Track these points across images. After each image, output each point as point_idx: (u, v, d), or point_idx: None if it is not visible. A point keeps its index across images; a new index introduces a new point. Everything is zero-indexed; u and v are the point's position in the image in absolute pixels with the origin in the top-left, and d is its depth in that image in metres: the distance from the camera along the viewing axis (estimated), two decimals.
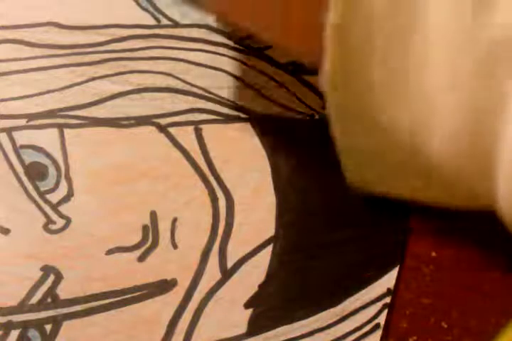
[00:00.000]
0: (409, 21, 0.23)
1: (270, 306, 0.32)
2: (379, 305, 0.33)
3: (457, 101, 0.24)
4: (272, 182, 0.34)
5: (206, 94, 0.34)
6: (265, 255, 0.33)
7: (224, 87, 0.34)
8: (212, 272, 0.32)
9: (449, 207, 0.28)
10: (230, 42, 0.34)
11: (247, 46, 0.35)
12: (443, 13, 0.23)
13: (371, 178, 0.28)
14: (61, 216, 0.32)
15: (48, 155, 0.32)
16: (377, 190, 0.28)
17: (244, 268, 0.33)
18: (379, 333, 0.33)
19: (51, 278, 0.31)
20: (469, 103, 0.23)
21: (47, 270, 0.31)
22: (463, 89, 0.23)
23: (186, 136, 0.33)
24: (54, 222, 0.31)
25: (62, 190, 0.32)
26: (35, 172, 0.32)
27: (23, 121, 0.32)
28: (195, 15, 0.34)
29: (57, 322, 0.31)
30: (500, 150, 0.23)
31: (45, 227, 0.31)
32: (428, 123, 0.25)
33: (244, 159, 0.34)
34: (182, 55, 0.34)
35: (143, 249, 0.32)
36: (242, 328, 0.32)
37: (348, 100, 0.26)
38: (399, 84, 0.24)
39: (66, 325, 0.31)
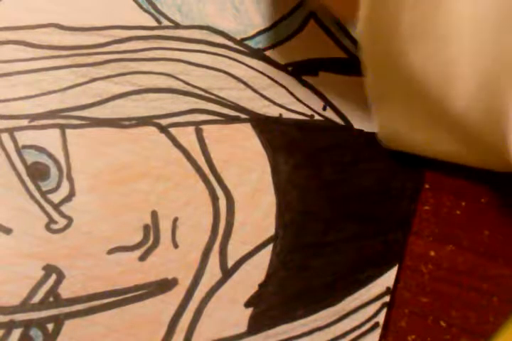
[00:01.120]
0: None
1: (270, 305, 0.32)
2: (378, 304, 0.33)
3: (480, 48, 0.24)
4: (272, 182, 0.34)
5: (207, 95, 0.34)
6: (265, 254, 0.33)
7: (224, 87, 0.34)
8: (213, 271, 0.32)
9: (466, 163, 0.28)
10: (231, 44, 0.34)
11: (247, 47, 0.35)
12: None
13: (400, 129, 0.28)
14: (63, 216, 0.32)
15: (49, 155, 0.32)
16: (405, 143, 0.29)
17: (244, 267, 0.33)
18: (378, 332, 0.33)
19: (53, 277, 0.31)
20: (491, 50, 0.24)
21: (49, 269, 0.31)
22: (485, 35, 0.24)
23: (187, 137, 0.33)
24: (56, 222, 0.32)
25: (64, 190, 0.32)
26: (37, 173, 0.32)
27: (25, 122, 0.32)
28: (195, 17, 0.34)
29: (59, 321, 0.31)
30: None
31: (47, 227, 0.31)
32: (452, 72, 0.25)
33: (244, 159, 0.34)
34: (183, 56, 0.34)
35: (144, 249, 0.32)
36: (242, 327, 0.32)
37: (381, 46, 0.26)
38: (427, 28, 0.25)
39: (68, 324, 0.31)
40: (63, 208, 0.32)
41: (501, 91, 0.24)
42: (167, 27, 0.34)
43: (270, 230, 0.33)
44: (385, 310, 0.33)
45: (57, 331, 0.30)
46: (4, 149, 0.31)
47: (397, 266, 0.34)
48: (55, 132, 0.32)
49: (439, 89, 0.25)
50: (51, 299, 0.31)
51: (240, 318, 0.32)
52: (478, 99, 0.25)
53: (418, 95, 0.26)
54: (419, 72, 0.26)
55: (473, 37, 0.24)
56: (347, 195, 0.35)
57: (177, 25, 0.34)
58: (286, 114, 0.35)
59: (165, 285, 0.32)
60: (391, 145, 0.32)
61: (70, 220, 0.32)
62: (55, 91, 0.32)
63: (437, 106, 0.26)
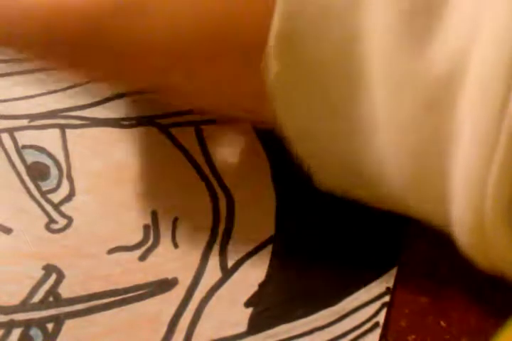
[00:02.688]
0: (350, 50, 0.23)
1: (270, 305, 0.32)
2: (378, 303, 0.33)
3: (402, 141, 0.24)
4: (272, 182, 0.34)
5: None
6: (265, 254, 0.33)
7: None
8: (213, 271, 0.32)
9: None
10: None
11: None
12: (384, 48, 0.23)
13: (332, 183, 0.28)
14: (63, 215, 0.32)
15: (49, 155, 0.32)
16: (336, 190, 0.29)
17: (244, 267, 0.33)
18: (378, 331, 0.33)
19: (53, 277, 0.31)
20: (414, 144, 0.23)
21: (49, 269, 0.31)
22: (407, 128, 0.23)
23: (187, 137, 0.34)
24: (56, 222, 0.32)
25: (64, 190, 0.32)
26: (37, 172, 0.32)
27: (25, 122, 0.32)
28: None
29: (58, 320, 0.31)
30: (451, 178, 0.23)
31: (47, 227, 0.31)
32: (380, 171, 0.25)
33: (245, 159, 0.34)
34: None
35: (144, 249, 0.32)
36: (242, 327, 0.32)
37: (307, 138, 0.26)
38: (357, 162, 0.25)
39: (68, 324, 0.31)
40: (63, 208, 0.32)
41: (435, 182, 0.24)
42: None
43: (270, 230, 0.33)
44: (385, 310, 0.33)
45: (57, 331, 0.30)
46: (4, 149, 0.32)
47: (397, 266, 0.34)
48: (55, 132, 0.32)
49: (369, 177, 0.25)
50: (51, 299, 0.31)
51: (239, 318, 0.32)
52: (411, 180, 0.25)
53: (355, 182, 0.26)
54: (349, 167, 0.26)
55: (394, 130, 0.24)
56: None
57: None
58: None
59: (165, 285, 0.32)
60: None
61: (70, 220, 0.32)
62: (55, 91, 0.32)
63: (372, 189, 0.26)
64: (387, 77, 0.23)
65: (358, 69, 0.23)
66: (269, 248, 0.33)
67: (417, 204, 0.26)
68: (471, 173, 0.22)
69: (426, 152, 0.23)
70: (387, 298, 0.33)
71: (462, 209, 0.23)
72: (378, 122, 0.24)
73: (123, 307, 0.31)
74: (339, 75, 0.23)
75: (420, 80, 0.22)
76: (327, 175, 0.27)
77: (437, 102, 0.22)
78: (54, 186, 0.32)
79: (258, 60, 0.24)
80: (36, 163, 0.32)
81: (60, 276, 0.31)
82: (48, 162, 0.32)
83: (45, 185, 0.32)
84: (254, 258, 0.33)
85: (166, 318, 0.31)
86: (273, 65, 0.24)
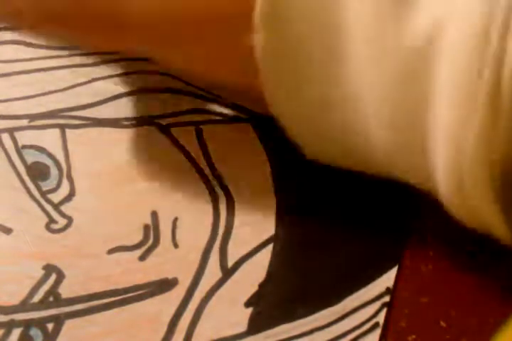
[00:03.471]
0: (332, 20, 0.24)
1: (270, 305, 0.32)
2: (378, 304, 0.33)
3: (383, 111, 0.24)
4: (272, 182, 0.34)
5: (207, 95, 0.34)
6: (265, 254, 0.33)
7: (225, 87, 0.34)
8: (213, 271, 0.32)
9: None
10: None
11: None
12: (364, 17, 0.23)
13: (314, 148, 0.28)
14: (63, 215, 0.32)
15: (49, 155, 0.32)
16: (325, 159, 0.29)
17: (244, 267, 0.33)
18: (378, 332, 0.33)
19: (53, 277, 0.31)
20: (395, 113, 0.24)
21: (49, 269, 0.31)
22: (387, 97, 0.24)
23: (187, 137, 0.34)
24: (56, 222, 0.32)
25: (64, 190, 0.32)
26: (37, 172, 0.32)
27: (25, 122, 0.32)
28: None
29: (59, 320, 0.31)
30: (431, 143, 0.24)
31: (47, 227, 0.31)
32: (366, 141, 0.25)
33: (245, 159, 0.34)
34: None
35: (144, 249, 0.32)
36: (242, 327, 0.32)
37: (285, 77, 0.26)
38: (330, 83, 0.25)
39: (68, 324, 0.31)
40: (63, 208, 0.32)
41: (417, 146, 0.24)
42: None
43: (270, 230, 0.33)
44: (385, 310, 0.33)
45: (57, 331, 0.30)
46: (4, 149, 0.32)
47: (397, 266, 0.34)
48: (55, 132, 0.32)
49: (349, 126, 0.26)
50: (51, 299, 0.31)
51: (239, 318, 0.32)
52: (393, 134, 0.25)
53: (329, 126, 0.27)
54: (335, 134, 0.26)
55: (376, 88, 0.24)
56: (347, 193, 0.35)
57: None
58: None
59: (165, 285, 0.32)
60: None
61: (70, 220, 0.32)
62: (55, 91, 0.32)
63: (348, 137, 0.26)
64: (367, 46, 0.24)
65: (341, 39, 0.24)
66: (269, 248, 0.33)
67: (403, 171, 0.27)
68: (449, 136, 0.23)
69: (406, 120, 0.24)
70: (387, 298, 0.33)
71: (443, 172, 0.24)
72: (362, 91, 0.24)
73: (123, 308, 0.31)
74: (323, 45, 0.24)
75: (399, 49, 0.23)
76: (315, 146, 0.28)
77: (416, 70, 0.23)
78: (54, 186, 0.32)
79: (245, 33, 0.24)
80: (36, 163, 0.32)
81: (60, 276, 0.31)
82: (48, 162, 0.32)
83: (45, 185, 0.32)
84: (254, 258, 0.33)
85: (166, 318, 0.31)
86: (259, 38, 0.24)
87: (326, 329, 0.32)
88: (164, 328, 0.31)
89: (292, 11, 0.24)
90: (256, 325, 0.32)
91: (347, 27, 0.24)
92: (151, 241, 0.32)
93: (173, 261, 0.32)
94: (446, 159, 0.24)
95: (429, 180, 0.25)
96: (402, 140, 0.25)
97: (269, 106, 0.27)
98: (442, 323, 0.33)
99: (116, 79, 0.33)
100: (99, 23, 0.26)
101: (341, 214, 0.34)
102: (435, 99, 0.23)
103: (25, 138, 0.32)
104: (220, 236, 0.33)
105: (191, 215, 0.33)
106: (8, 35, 0.32)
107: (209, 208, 0.33)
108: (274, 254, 0.33)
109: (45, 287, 0.31)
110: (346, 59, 0.24)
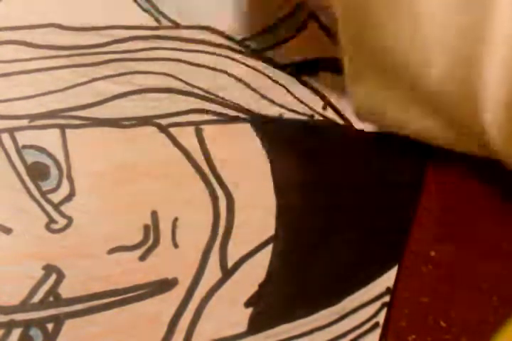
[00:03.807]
0: None
1: (270, 305, 0.32)
2: (378, 303, 0.33)
3: (448, 20, 0.25)
4: (272, 182, 0.34)
5: (207, 95, 0.34)
6: (265, 254, 0.33)
7: (224, 87, 0.34)
8: (213, 271, 0.32)
9: (443, 143, 0.28)
10: (231, 44, 0.34)
11: (247, 47, 0.35)
12: None
13: (376, 106, 0.29)
14: (63, 215, 0.32)
15: (49, 155, 0.32)
16: (381, 120, 0.29)
17: (244, 267, 0.33)
18: (378, 332, 0.33)
19: (53, 277, 0.31)
20: (457, 21, 0.25)
21: (49, 269, 0.31)
22: (452, 6, 0.24)
23: (187, 137, 0.34)
24: (56, 222, 0.32)
25: (64, 190, 0.32)
26: (37, 172, 0.32)
27: (25, 122, 0.32)
28: (195, 17, 0.34)
29: (58, 320, 0.31)
30: (486, 73, 0.24)
31: (47, 227, 0.31)
32: (425, 45, 0.26)
33: (244, 159, 0.34)
34: (183, 56, 0.34)
35: (144, 249, 0.32)
36: (242, 327, 0.32)
37: (357, 21, 0.27)
38: (399, 4, 0.25)
39: (68, 324, 0.31)
40: (63, 208, 0.32)
41: (473, 64, 0.25)
42: (167, 27, 0.34)
43: (270, 230, 0.33)
44: (384, 310, 0.33)
45: (57, 331, 0.31)
46: (4, 149, 0.32)
47: (397, 266, 0.34)
48: (55, 132, 0.32)
49: (413, 62, 0.26)
50: (51, 299, 0.31)
51: (239, 318, 0.32)
52: (452, 72, 0.25)
53: (393, 70, 0.27)
54: (393, 46, 0.26)
55: (442, 9, 0.25)
56: (347, 194, 0.35)
57: (177, 25, 0.34)
58: (286, 114, 0.35)
59: (165, 285, 0.32)
60: (368, 122, 0.32)
61: (70, 220, 0.32)
62: (55, 91, 0.32)
63: (412, 81, 0.27)
64: None
65: None
66: (269, 248, 0.33)
67: (452, 103, 0.27)
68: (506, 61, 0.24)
69: (467, 46, 0.25)
70: (387, 298, 0.33)
71: (496, 87, 0.24)
72: (428, 16, 0.25)
73: (123, 308, 0.31)
74: None
75: None
76: (366, 77, 0.28)
77: None
78: (54, 186, 0.32)
79: None
80: (36, 163, 0.32)
81: (60, 276, 0.31)
82: (48, 162, 0.32)
83: (45, 185, 0.32)
84: (254, 258, 0.33)
85: (166, 318, 0.31)
86: None
87: (326, 330, 0.32)
88: (164, 328, 0.31)
89: None
90: (256, 325, 0.32)
91: None
92: (151, 241, 0.32)
93: (173, 261, 0.32)
94: (502, 74, 0.24)
95: (477, 111, 0.25)
96: (461, 69, 0.25)
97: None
98: (442, 323, 0.33)
99: (116, 79, 0.33)
100: None
101: (341, 214, 0.34)
102: (496, 23, 0.24)
103: (25, 138, 0.32)
104: (220, 236, 0.33)
105: (191, 215, 0.33)
106: (8, 35, 0.32)
107: (209, 208, 0.33)
108: (274, 254, 0.33)
109: (45, 287, 0.31)
110: None
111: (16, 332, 0.30)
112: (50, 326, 0.31)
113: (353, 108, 0.31)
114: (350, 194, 0.35)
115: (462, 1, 0.24)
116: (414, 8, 0.25)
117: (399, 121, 0.29)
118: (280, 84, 0.35)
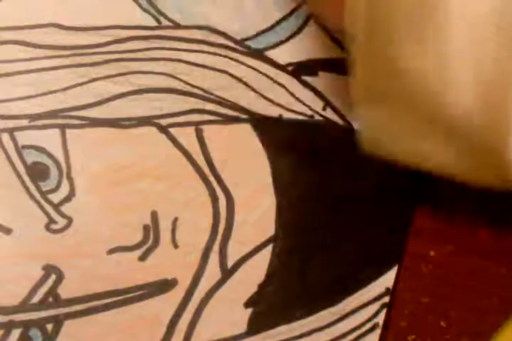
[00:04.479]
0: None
1: (270, 305, 0.32)
2: (378, 304, 0.33)
3: (481, 55, 0.25)
4: (272, 182, 0.34)
5: (207, 95, 0.34)
6: (265, 255, 0.33)
7: (224, 87, 0.34)
8: (213, 271, 0.32)
9: (457, 176, 0.28)
10: (231, 44, 0.34)
11: (247, 47, 0.35)
12: None
13: (386, 140, 0.28)
14: (63, 216, 0.32)
15: (49, 155, 0.32)
16: (390, 150, 0.29)
17: (244, 267, 0.33)
18: (378, 332, 0.33)
19: (52, 277, 0.31)
20: (493, 58, 0.24)
21: (48, 269, 0.31)
22: (482, 47, 0.24)
23: (187, 137, 0.34)
24: (56, 222, 0.32)
25: (64, 190, 0.32)
26: (37, 173, 0.32)
27: (25, 122, 0.32)
28: (195, 17, 0.34)
29: (58, 321, 0.31)
30: None
31: (47, 227, 0.31)
32: (451, 77, 0.25)
33: (244, 159, 0.34)
34: (183, 56, 0.34)
35: (144, 249, 0.32)
36: (242, 327, 0.32)
37: (377, 46, 0.27)
38: (426, 28, 0.25)
39: (67, 324, 0.31)
40: (63, 208, 0.32)
41: (502, 101, 0.24)
42: (167, 27, 0.34)
43: (270, 230, 0.33)
44: (384, 311, 0.33)
45: (56, 331, 0.31)
46: (4, 149, 0.31)
47: (397, 266, 0.34)
48: (55, 132, 0.32)
49: (436, 93, 0.26)
50: (51, 299, 0.31)
51: (239, 318, 0.32)
52: (477, 106, 0.25)
53: (413, 99, 0.26)
54: (416, 75, 0.26)
55: (474, 40, 0.24)
56: (347, 194, 0.35)
57: (177, 25, 0.34)
58: (286, 114, 0.35)
59: (165, 286, 0.32)
60: (372, 150, 0.31)
61: (70, 220, 0.32)
62: (55, 91, 0.32)
63: (432, 112, 0.26)
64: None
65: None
66: (269, 248, 0.33)
67: (477, 127, 0.26)
68: None
69: (499, 77, 0.24)
70: (386, 299, 0.33)
71: None
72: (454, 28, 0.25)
73: (123, 308, 0.31)
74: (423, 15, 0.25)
75: None
76: (381, 108, 0.28)
77: None
78: (54, 186, 0.32)
79: None
80: (36, 163, 0.32)
81: (60, 277, 0.31)
82: (48, 162, 0.32)
83: (45, 186, 0.32)
84: (254, 258, 0.33)
85: (166, 319, 0.32)
86: None
87: (326, 330, 0.32)
88: (164, 328, 0.32)
89: None
90: (255, 325, 0.32)
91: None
92: (151, 242, 0.32)
93: (173, 261, 0.32)
94: None
95: (503, 136, 0.25)
96: (493, 97, 0.25)
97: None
98: (442, 323, 0.33)
99: (116, 79, 0.33)
100: None
101: (341, 214, 0.34)
102: None
103: (25, 138, 0.32)
104: (219, 237, 0.33)
105: (191, 215, 0.33)
106: (8, 35, 0.32)
107: (209, 208, 0.33)
108: (274, 254, 0.33)
109: (45, 287, 0.31)
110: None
111: (16, 333, 0.30)
112: (49, 326, 0.31)
113: (359, 135, 0.30)
114: (350, 194, 0.35)
115: (497, 33, 0.24)
116: (442, 46, 0.25)
117: (409, 154, 0.29)
118: (280, 84, 0.35)
